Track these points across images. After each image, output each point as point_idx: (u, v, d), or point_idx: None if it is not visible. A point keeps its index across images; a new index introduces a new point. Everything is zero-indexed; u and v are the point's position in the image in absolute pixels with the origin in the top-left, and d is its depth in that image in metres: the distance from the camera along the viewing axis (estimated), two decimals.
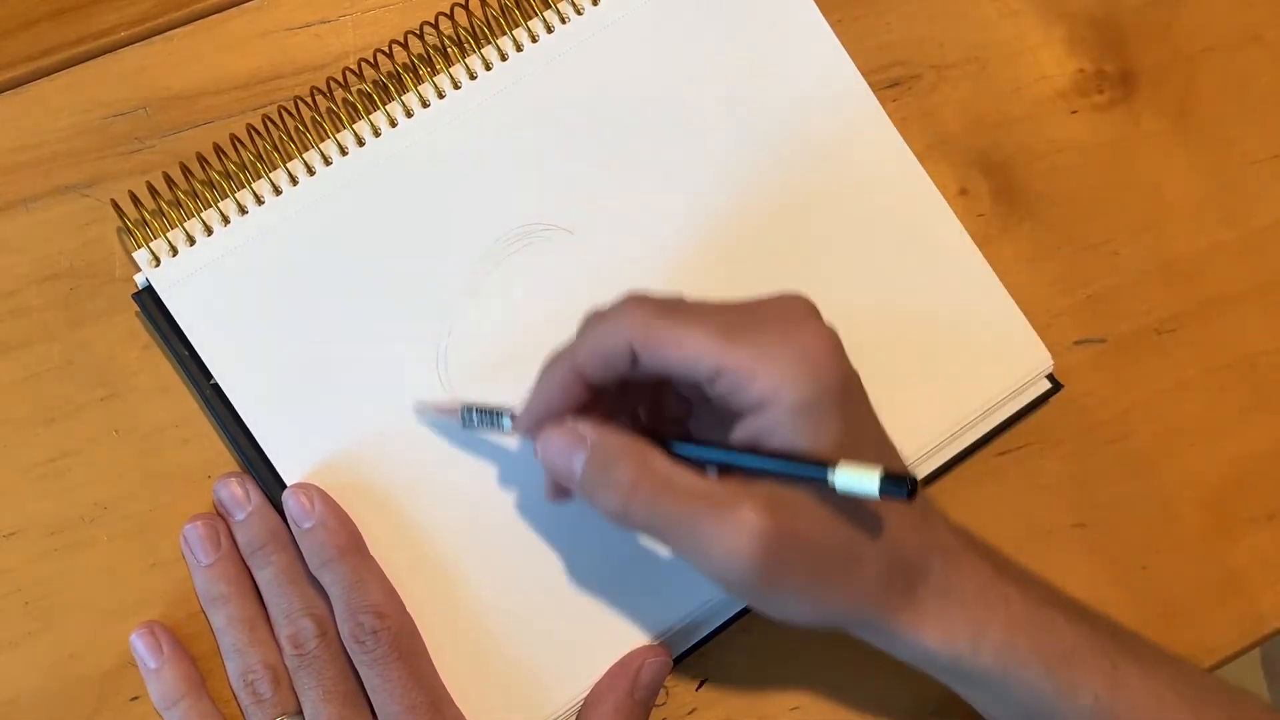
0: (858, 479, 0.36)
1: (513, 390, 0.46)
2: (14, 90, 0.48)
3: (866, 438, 0.40)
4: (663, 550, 0.46)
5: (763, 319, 0.39)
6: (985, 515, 0.50)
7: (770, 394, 0.37)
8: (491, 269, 0.47)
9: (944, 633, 0.40)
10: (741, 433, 0.38)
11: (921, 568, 0.40)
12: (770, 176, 0.49)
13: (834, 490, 0.36)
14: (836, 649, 0.49)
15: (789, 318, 0.39)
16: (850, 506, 0.38)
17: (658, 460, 0.39)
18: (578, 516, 0.46)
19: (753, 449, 0.38)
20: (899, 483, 0.35)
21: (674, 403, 0.43)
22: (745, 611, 0.48)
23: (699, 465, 0.39)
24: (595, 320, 0.40)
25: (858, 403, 0.39)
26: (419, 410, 0.46)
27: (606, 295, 0.47)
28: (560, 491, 0.43)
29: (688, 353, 0.38)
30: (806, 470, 0.37)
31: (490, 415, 0.44)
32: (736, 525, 0.37)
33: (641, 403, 0.43)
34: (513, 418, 0.43)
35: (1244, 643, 0.51)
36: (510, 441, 0.46)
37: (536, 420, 0.41)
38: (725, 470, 0.39)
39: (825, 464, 0.37)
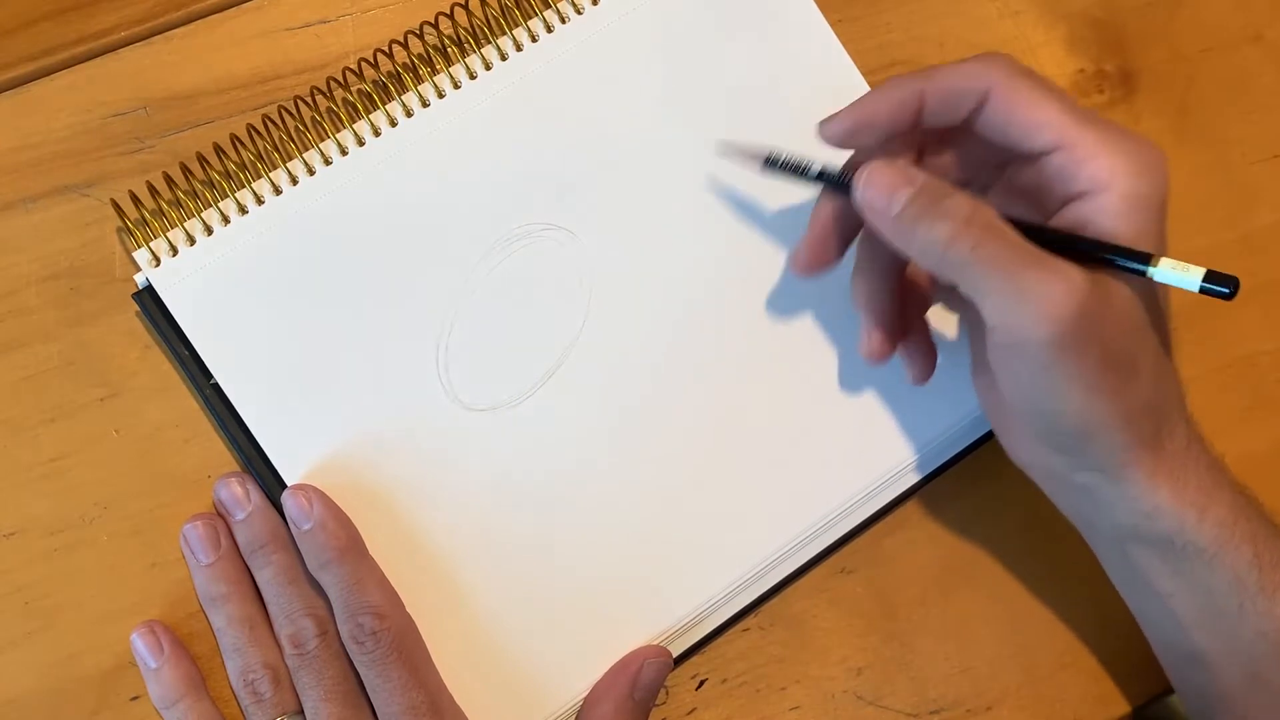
0: (1181, 273, 0.38)
1: (513, 389, 0.46)
2: (14, 90, 0.48)
3: (1169, 250, 0.40)
4: (670, 546, 0.46)
5: (1104, 119, 0.40)
6: (985, 514, 0.50)
7: (1108, 177, 0.39)
8: (492, 268, 0.47)
9: (1177, 492, 0.40)
10: (1064, 218, 0.40)
11: (1172, 421, 0.41)
12: (769, 175, 0.49)
13: (1150, 282, 0.39)
14: (836, 649, 0.49)
15: (1127, 128, 0.41)
16: (1143, 322, 0.40)
17: (990, 208, 0.39)
18: (578, 516, 0.46)
19: (1077, 232, 0.39)
20: (1224, 280, 0.38)
21: None
22: (745, 612, 0.48)
23: None
24: (950, 64, 0.41)
25: (1165, 222, 0.40)
26: (722, 149, 0.47)
27: (607, 295, 0.47)
28: (815, 256, 0.44)
29: (1039, 118, 0.39)
30: (1130, 258, 0.39)
31: (796, 164, 0.45)
32: (1064, 281, 0.37)
33: None
34: (823, 171, 0.44)
35: None
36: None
37: (855, 124, 0.42)
38: None
39: (1149, 255, 0.38)
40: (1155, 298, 0.41)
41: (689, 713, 0.48)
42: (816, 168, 0.44)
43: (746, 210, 0.49)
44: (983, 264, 0.38)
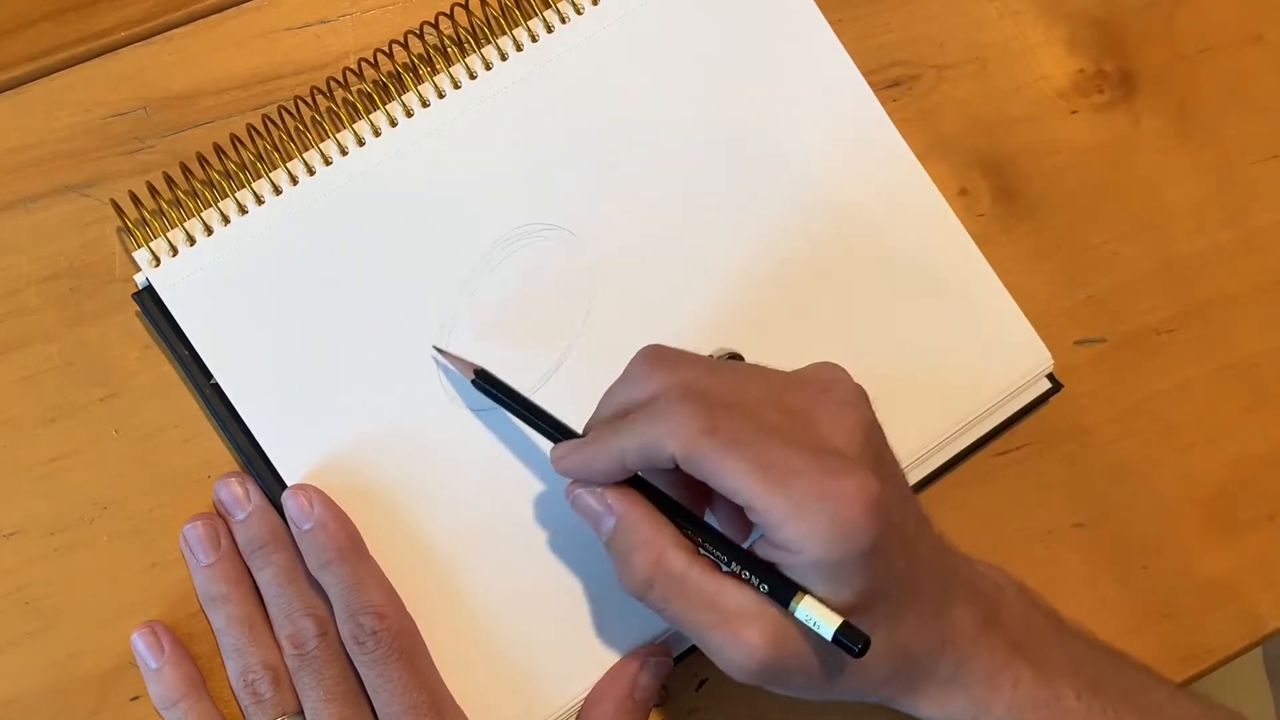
0: (817, 620, 0.37)
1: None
2: (14, 90, 0.48)
3: (889, 589, 0.39)
4: None
5: (809, 457, 0.38)
6: (985, 515, 0.50)
7: (799, 545, 0.37)
8: (491, 269, 0.47)
9: (944, 710, 0.41)
10: (763, 552, 0.39)
11: (929, 665, 0.41)
12: (769, 175, 0.49)
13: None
14: None
15: (839, 459, 0.38)
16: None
17: (674, 558, 0.39)
18: (578, 517, 0.46)
19: (769, 567, 0.39)
20: (852, 640, 0.37)
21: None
22: None
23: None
24: (644, 418, 0.39)
25: (889, 556, 0.39)
26: (434, 353, 0.46)
27: (607, 295, 0.47)
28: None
29: (725, 484, 0.38)
30: (781, 594, 0.38)
31: (509, 397, 0.44)
32: (739, 645, 0.38)
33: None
34: (554, 428, 0.43)
35: (1244, 643, 0.51)
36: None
37: (571, 473, 0.42)
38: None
39: (793, 592, 0.38)
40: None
41: (689, 713, 0.48)
42: (528, 414, 0.43)
43: (746, 209, 0.49)
44: (671, 620, 0.40)
